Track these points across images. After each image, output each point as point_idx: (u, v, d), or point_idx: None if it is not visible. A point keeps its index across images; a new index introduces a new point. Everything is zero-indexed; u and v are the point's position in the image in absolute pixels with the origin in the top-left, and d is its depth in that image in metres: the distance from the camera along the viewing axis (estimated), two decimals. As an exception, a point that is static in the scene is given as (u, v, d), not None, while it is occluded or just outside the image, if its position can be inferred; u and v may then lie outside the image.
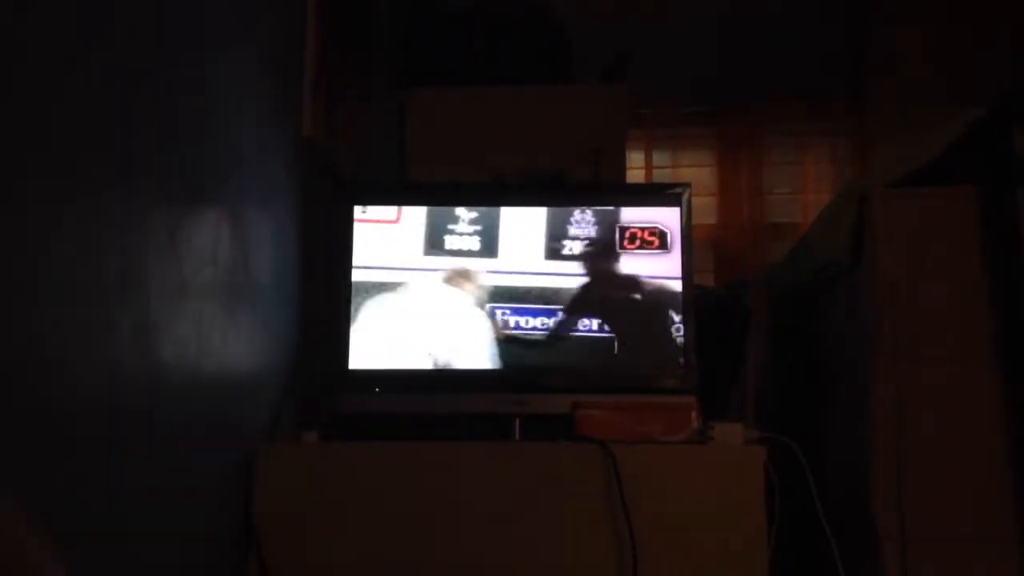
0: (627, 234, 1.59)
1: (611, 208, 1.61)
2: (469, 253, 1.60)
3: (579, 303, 1.57)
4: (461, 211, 1.61)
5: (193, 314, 1.23)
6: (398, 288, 1.59)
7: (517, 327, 1.57)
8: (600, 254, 1.59)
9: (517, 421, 1.54)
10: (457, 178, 2.00)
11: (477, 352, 1.57)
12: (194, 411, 1.24)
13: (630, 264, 1.59)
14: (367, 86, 2.11)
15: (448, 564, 1.37)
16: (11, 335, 0.87)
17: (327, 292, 1.68)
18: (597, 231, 1.60)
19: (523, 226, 1.61)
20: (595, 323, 1.57)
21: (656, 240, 1.59)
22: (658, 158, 3.41)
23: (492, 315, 1.58)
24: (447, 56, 2.49)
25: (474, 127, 2.30)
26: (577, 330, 1.57)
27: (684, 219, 1.60)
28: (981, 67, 2.99)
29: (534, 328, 1.57)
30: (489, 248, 1.60)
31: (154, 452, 1.13)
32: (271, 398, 1.50)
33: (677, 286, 1.57)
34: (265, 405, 1.48)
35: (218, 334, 1.32)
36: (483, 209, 1.61)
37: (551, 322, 1.57)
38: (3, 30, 0.84)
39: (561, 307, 1.57)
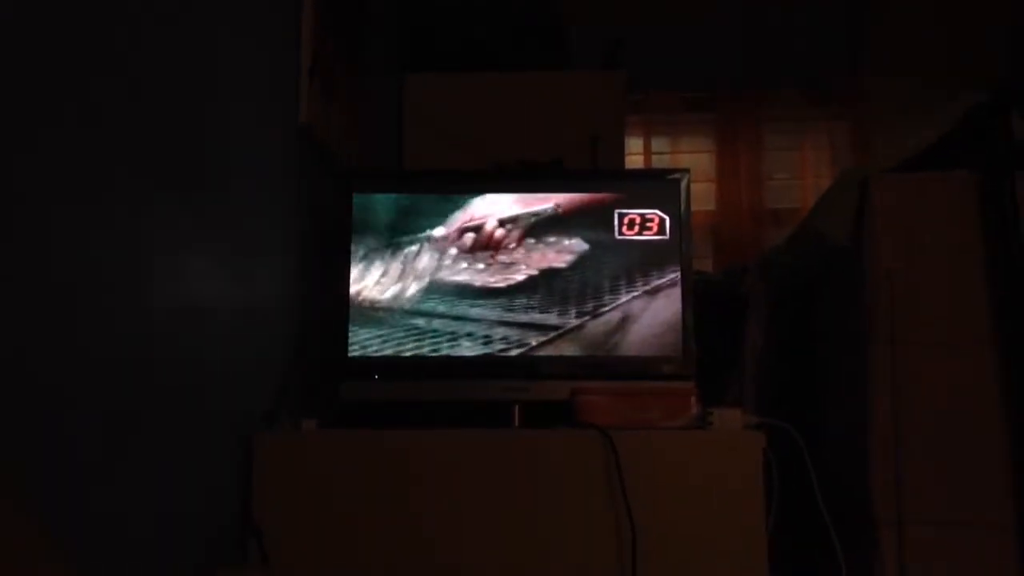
0: (625, 220, 1.59)
1: (609, 194, 1.61)
2: (469, 238, 1.59)
3: (577, 289, 1.57)
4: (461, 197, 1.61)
5: (192, 302, 1.23)
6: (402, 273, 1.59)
7: (517, 314, 1.57)
8: (598, 240, 1.59)
9: (517, 408, 1.55)
10: (455, 164, 2.00)
11: (476, 338, 1.57)
12: (193, 399, 1.24)
13: (628, 250, 1.59)
14: (364, 72, 2.10)
15: (448, 551, 1.37)
16: (9, 327, 0.87)
17: (327, 278, 1.68)
18: (595, 217, 1.59)
19: (521, 212, 1.60)
20: (594, 309, 1.57)
21: (655, 226, 1.59)
22: (657, 144, 3.41)
23: (490, 301, 1.58)
24: (444, 42, 2.48)
25: (472, 113, 2.30)
26: (576, 316, 1.57)
27: (683, 205, 1.59)
28: (979, 53, 2.98)
29: (533, 315, 1.57)
30: (486, 234, 1.60)
31: (153, 440, 1.13)
32: (270, 385, 1.50)
33: (676, 272, 1.57)
34: (264, 392, 1.48)
35: (217, 322, 1.31)
36: (480, 195, 1.61)
37: (550, 309, 1.57)
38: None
39: (559, 294, 1.57)
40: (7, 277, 0.86)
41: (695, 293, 1.58)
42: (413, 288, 1.58)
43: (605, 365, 1.55)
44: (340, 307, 1.58)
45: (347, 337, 1.57)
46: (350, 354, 1.57)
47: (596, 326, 1.57)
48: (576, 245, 1.58)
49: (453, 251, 1.58)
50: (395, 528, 1.38)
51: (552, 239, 1.59)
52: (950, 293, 1.48)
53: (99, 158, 1.01)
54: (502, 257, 1.58)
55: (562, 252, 1.58)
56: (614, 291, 1.58)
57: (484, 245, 1.58)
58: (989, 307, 1.46)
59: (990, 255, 1.47)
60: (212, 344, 1.30)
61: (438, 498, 1.38)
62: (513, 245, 1.58)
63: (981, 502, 1.43)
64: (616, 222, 1.59)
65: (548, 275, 1.58)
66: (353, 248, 1.60)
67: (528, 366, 1.56)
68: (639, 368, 1.55)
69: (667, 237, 1.58)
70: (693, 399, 1.46)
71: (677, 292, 1.56)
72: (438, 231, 1.60)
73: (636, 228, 1.59)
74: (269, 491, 1.40)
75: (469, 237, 1.58)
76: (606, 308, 1.57)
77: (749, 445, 1.38)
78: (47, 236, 0.92)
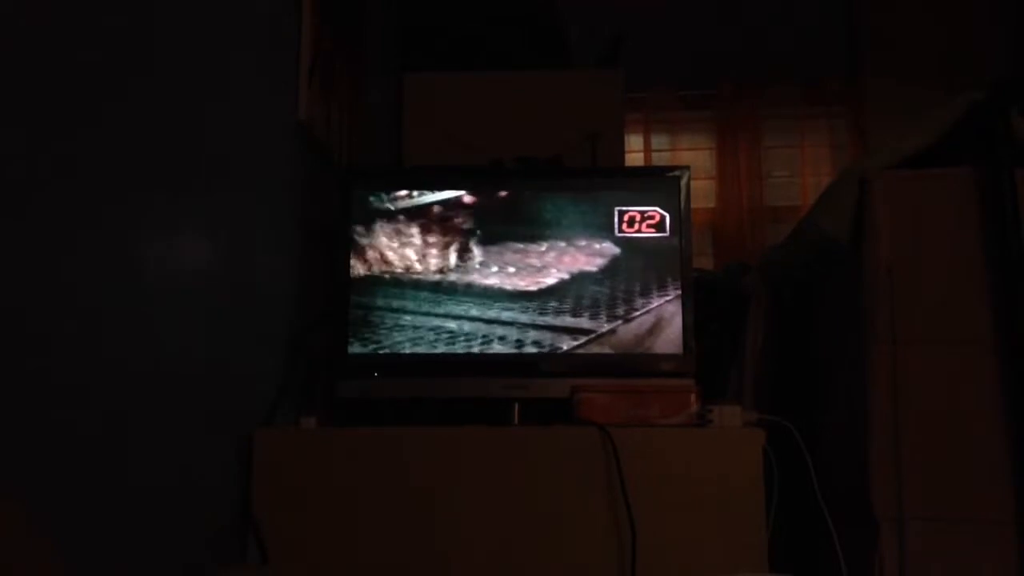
0: (626, 217, 1.59)
1: (609, 192, 1.61)
2: (468, 239, 1.59)
3: (578, 288, 1.57)
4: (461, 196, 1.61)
5: (192, 300, 1.23)
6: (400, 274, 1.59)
7: (516, 313, 1.57)
8: (598, 238, 1.58)
9: (517, 405, 1.55)
10: (454, 163, 2.00)
11: (476, 336, 1.57)
12: (193, 397, 1.24)
13: (628, 247, 1.58)
14: (363, 71, 2.10)
15: (448, 548, 1.37)
16: (7, 327, 0.87)
17: (325, 277, 1.68)
18: (595, 215, 1.59)
19: (520, 211, 1.60)
20: (593, 308, 1.57)
21: (655, 223, 1.58)
22: (657, 142, 3.41)
23: (490, 300, 1.58)
24: (444, 41, 2.48)
25: (471, 112, 2.29)
26: (576, 315, 1.57)
27: (683, 202, 1.59)
28: (978, 53, 2.98)
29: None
30: (488, 234, 1.60)
31: (152, 438, 1.13)
32: (270, 383, 1.50)
33: (676, 269, 1.57)
34: (264, 390, 1.48)
35: (217, 319, 1.31)
36: (481, 194, 1.61)
37: (550, 308, 1.57)
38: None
39: (559, 293, 1.57)
40: (8, 277, 0.86)
41: (695, 290, 1.57)
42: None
43: (605, 363, 1.55)
44: (341, 304, 1.58)
45: (347, 336, 1.57)
46: (349, 351, 1.56)
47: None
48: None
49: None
50: (394, 525, 1.38)
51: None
52: (950, 291, 1.48)
53: (97, 158, 1.01)
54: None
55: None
56: (613, 289, 1.57)
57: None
58: (989, 306, 1.46)
59: (990, 253, 1.47)
60: (211, 341, 1.30)
61: (438, 496, 1.38)
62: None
63: (981, 501, 1.43)
64: (616, 219, 1.59)
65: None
66: (360, 241, 1.59)
67: (528, 364, 1.56)
68: (639, 365, 1.55)
69: (667, 234, 1.58)
70: (693, 396, 1.46)
71: (677, 289, 1.56)
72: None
73: (636, 226, 1.59)
74: (268, 488, 1.40)
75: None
76: (606, 306, 1.57)
77: (749, 442, 1.38)
78: (45, 235, 0.92)
